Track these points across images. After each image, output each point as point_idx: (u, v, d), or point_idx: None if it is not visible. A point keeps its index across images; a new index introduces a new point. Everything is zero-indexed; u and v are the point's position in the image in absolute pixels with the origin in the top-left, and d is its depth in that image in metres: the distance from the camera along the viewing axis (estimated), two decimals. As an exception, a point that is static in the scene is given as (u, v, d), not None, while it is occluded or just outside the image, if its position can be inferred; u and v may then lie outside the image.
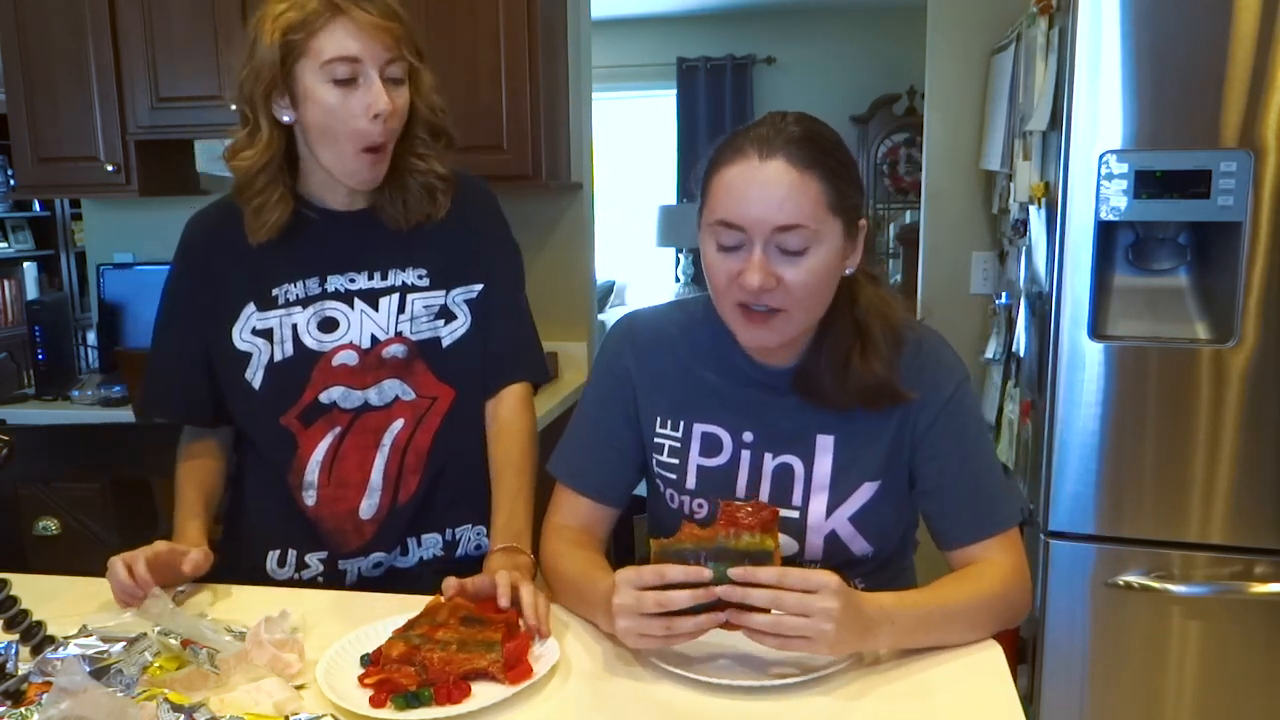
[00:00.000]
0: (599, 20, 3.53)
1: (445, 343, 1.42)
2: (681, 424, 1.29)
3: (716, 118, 5.88)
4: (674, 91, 5.99)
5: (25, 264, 5.56)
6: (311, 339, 1.38)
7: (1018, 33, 2.30)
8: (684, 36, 5.94)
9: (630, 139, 6.33)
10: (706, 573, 1.03)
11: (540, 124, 2.64)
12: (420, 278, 1.42)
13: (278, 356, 1.38)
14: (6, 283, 5.38)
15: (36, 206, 5.68)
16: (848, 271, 1.20)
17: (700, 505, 1.29)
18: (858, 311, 1.21)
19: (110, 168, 2.82)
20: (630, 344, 1.33)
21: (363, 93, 1.29)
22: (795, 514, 1.24)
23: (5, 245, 5.58)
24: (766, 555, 1.04)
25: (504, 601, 1.15)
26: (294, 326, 1.38)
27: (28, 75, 2.82)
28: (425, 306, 1.42)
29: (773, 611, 1.02)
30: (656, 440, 1.31)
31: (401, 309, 1.41)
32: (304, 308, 1.39)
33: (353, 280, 1.41)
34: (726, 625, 1.05)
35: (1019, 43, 2.30)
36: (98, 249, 3.33)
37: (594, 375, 1.37)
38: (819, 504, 1.23)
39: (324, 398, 1.38)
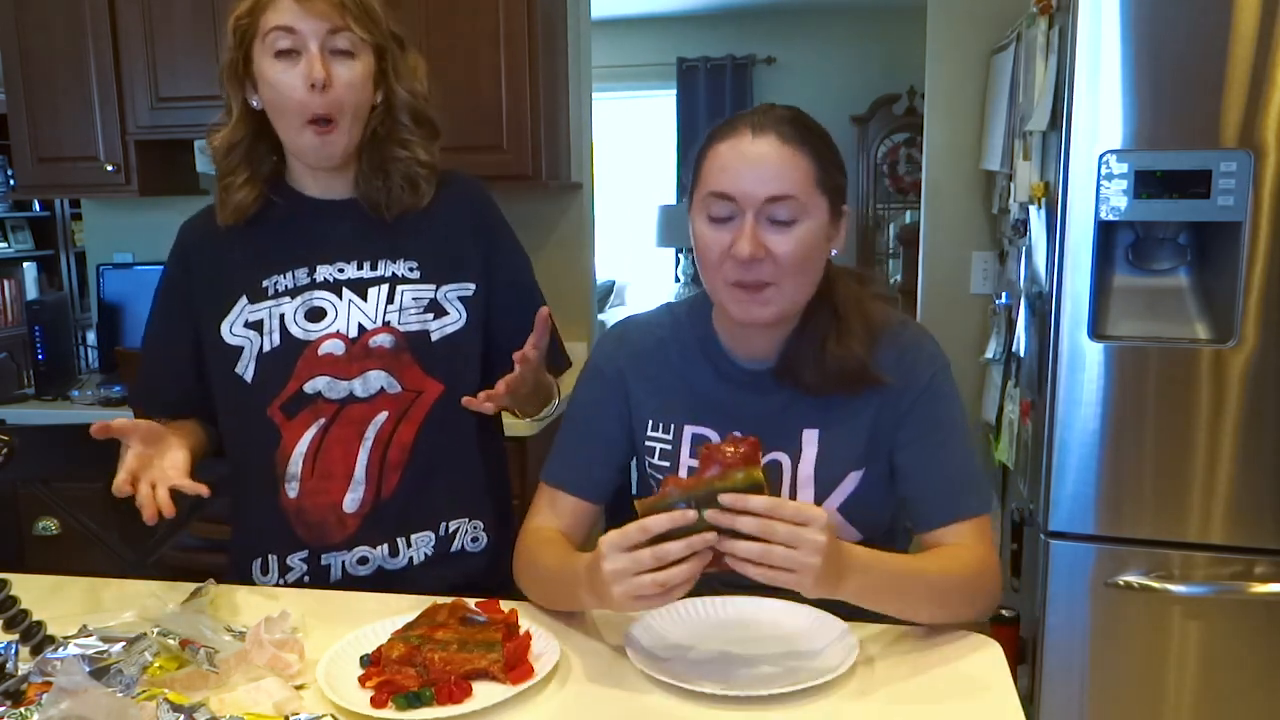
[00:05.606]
0: (599, 20, 3.52)
1: (434, 337, 1.42)
2: (672, 426, 1.31)
3: (716, 118, 5.83)
4: (674, 91, 5.99)
5: (25, 264, 5.56)
6: (298, 328, 1.38)
7: (1018, 33, 2.30)
8: (684, 36, 5.94)
9: (630, 139, 6.32)
10: (691, 514, 1.00)
11: (540, 124, 2.64)
12: (411, 270, 1.42)
13: (266, 347, 1.38)
14: (6, 283, 5.37)
15: (36, 206, 5.68)
16: (833, 253, 1.25)
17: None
18: (836, 301, 1.26)
19: (110, 168, 2.82)
20: (622, 348, 1.36)
21: (302, 64, 1.32)
22: None
23: (5, 245, 5.58)
24: (758, 488, 1.01)
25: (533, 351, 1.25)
26: (281, 316, 1.39)
27: (28, 75, 2.82)
28: (414, 299, 1.41)
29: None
30: (648, 444, 1.33)
31: (390, 299, 1.40)
32: (292, 298, 1.39)
33: (341, 270, 1.41)
34: (712, 564, 1.02)
35: (1019, 43, 2.30)
36: (97, 249, 3.33)
37: (583, 380, 1.38)
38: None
39: (309, 388, 1.38)
